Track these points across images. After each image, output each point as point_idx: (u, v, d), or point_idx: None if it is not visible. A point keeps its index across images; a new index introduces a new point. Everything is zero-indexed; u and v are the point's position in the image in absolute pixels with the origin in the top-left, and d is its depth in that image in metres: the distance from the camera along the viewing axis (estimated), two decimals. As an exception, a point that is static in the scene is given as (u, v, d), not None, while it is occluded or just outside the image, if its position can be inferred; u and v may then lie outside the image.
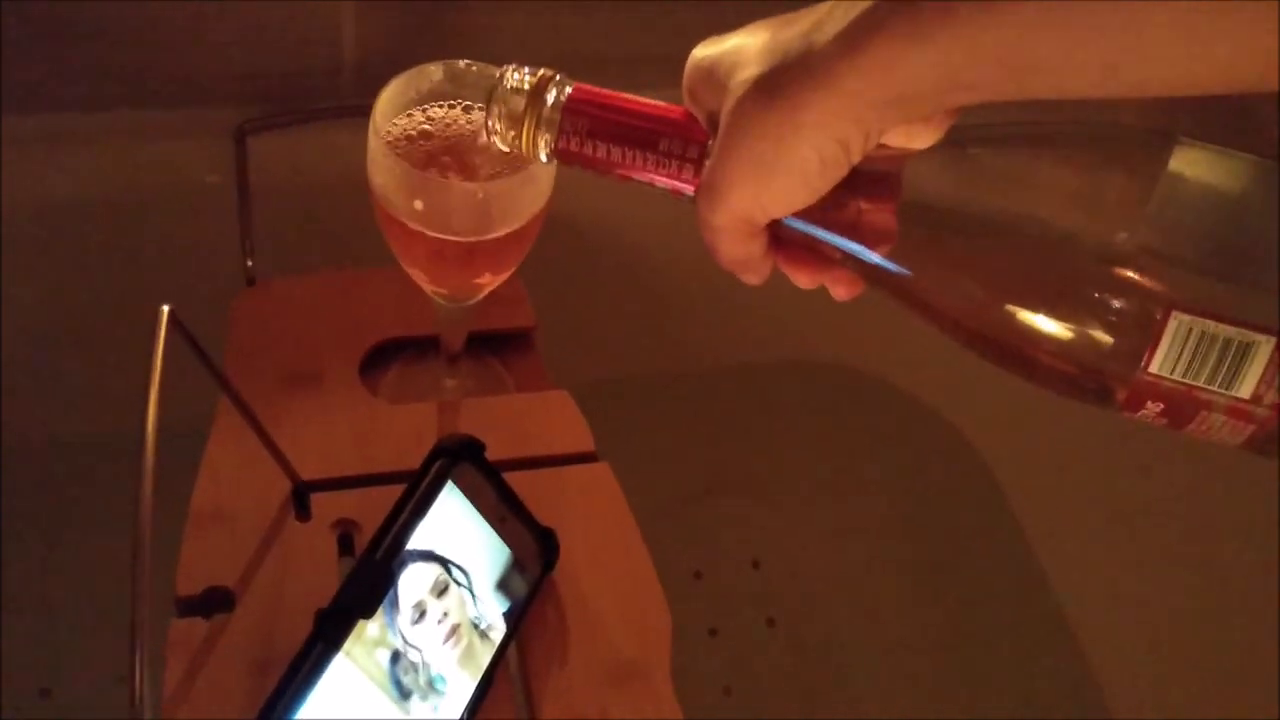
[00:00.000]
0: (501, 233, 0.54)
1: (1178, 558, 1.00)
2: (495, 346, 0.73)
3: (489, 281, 0.59)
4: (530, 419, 0.67)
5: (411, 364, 0.70)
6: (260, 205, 0.78)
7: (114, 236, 0.83)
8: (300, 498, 0.62)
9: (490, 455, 0.58)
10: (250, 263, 0.73)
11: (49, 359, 0.89)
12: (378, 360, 0.70)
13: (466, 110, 0.55)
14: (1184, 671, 0.98)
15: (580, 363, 0.82)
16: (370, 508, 0.59)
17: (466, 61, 0.55)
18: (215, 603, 0.58)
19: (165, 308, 0.48)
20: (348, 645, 0.50)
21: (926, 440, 1.16)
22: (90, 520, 0.88)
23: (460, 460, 0.57)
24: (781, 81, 0.35)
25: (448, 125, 0.54)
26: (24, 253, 0.83)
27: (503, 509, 0.59)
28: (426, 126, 0.54)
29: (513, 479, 0.60)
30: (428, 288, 0.60)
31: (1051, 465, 1.09)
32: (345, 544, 0.61)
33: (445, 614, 0.55)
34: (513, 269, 0.59)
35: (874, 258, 0.39)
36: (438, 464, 0.56)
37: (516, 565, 0.59)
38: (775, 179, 0.37)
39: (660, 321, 1.04)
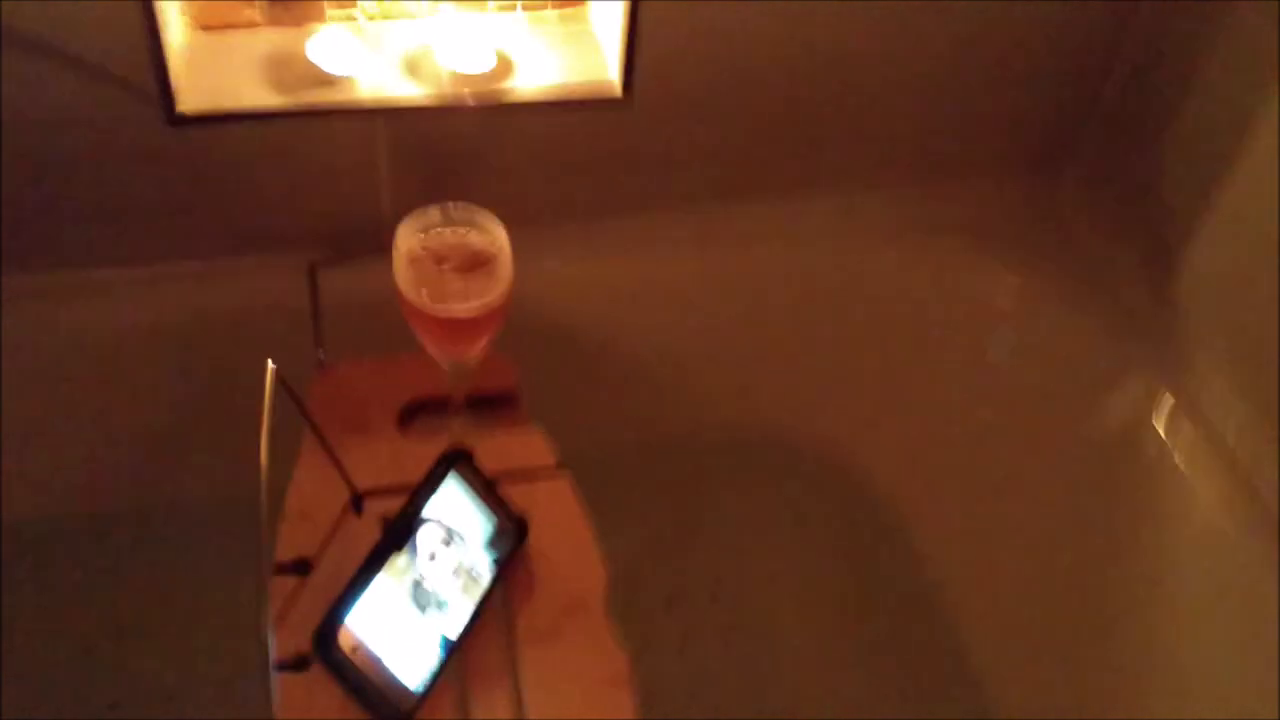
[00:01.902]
0: (478, 309, 0.83)
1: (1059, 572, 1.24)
2: (492, 404, 1.02)
3: (477, 347, 0.88)
4: (512, 445, 0.95)
5: (431, 414, 0.99)
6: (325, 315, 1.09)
7: (221, 346, 1.14)
8: (356, 501, 0.90)
9: (484, 468, 0.87)
10: (321, 353, 1.03)
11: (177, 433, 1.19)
12: (410, 414, 0.99)
13: (454, 233, 0.85)
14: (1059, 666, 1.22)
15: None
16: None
17: (453, 203, 0.86)
18: (300, 567, 0.86)
19: (271, 365, 0.77)
20: (386, 569, 0.78)
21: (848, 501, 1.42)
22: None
23: (458, 461, 0.85)
24: None
25: (441, 243, 0.84)
26: (147, 362, 1.14)
27: (489, 497, 0.87)
28: (427, 244, 0.84)
29: (506, 486, 0.88)
30: (436, 355, 0.89)
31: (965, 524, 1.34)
32: (387, 536, 0.89)
33: (450, 559, 0.83)
34: (492, 336, 0.88)
35: None
36: (442, 463, 0.85)
37: (499, 535, 0.86)
38: None
39: (629, 397, 1.33)
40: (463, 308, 0.83)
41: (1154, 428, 1.14)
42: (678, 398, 1.35)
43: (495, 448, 0.95)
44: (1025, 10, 1.15)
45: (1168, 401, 1.14)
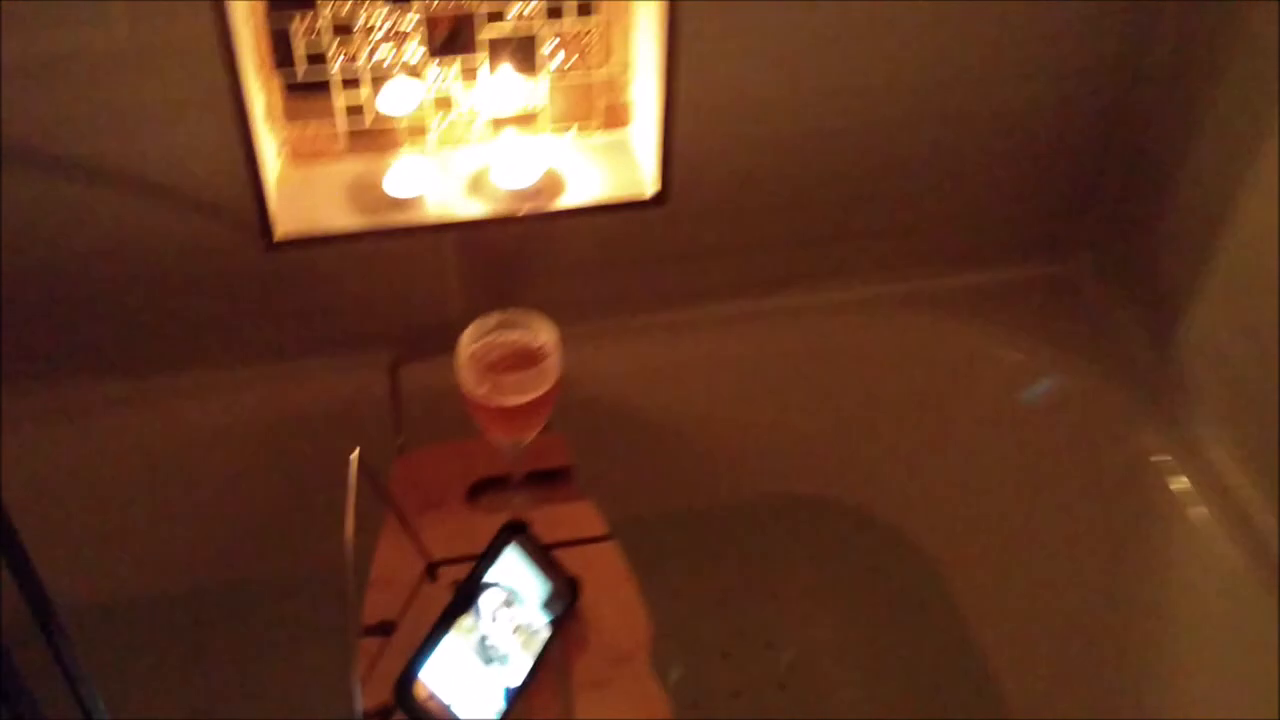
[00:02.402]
0: (530, 400, 0.96)
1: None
2: (549, 479, 1.14)
3: (531, 432, 1.01)
4: (566, 516, 1.08)
5: (496, 490, 1.12)
6: (403, 407, 1.23)
7: (313, 437, 1.29)
8: (431, 569, 1.03)
9: (540, 537, 0.99)
10: (400, 440, 1.18)
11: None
12: (477, 491, 1.12)
13: (508, 336, 0.99)
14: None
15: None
16: (470, 569, 1.00)
17: (508, 310, 0.99)
18: (384, 629, 0.99)
19: (356, 451, 0.91)
20: (455, 629, 0.91)
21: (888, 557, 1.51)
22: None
23: (517, 532, 0.98)
24: None
25: (497, 345, 0.98)
26: (247, 453, 1.30)
27: (545, 563, 0.99)
28: (486, 347, 0.98)
29: (560, 552, 1.00)
30: (496, 441, 1.02)
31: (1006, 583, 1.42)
32: (456, 600, 1.02)
33: (510, 618, 0.95)
34: (543, 422, 1.01)
35: None
36: (503, 534, 0.97)
37: (554, 596, 0.98)
38: None
39: (678, 469, 1.44)
40: (515, 400, 0.96)
41: (1159, 474, 1.23)
42: (721, 468, 1.47)
43: (551, 518, 1.07)
44: (1025, 105, 1.26)
45: (1172, 450, 1.23)
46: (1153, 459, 1.24)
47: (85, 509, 1.31)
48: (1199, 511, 1.18)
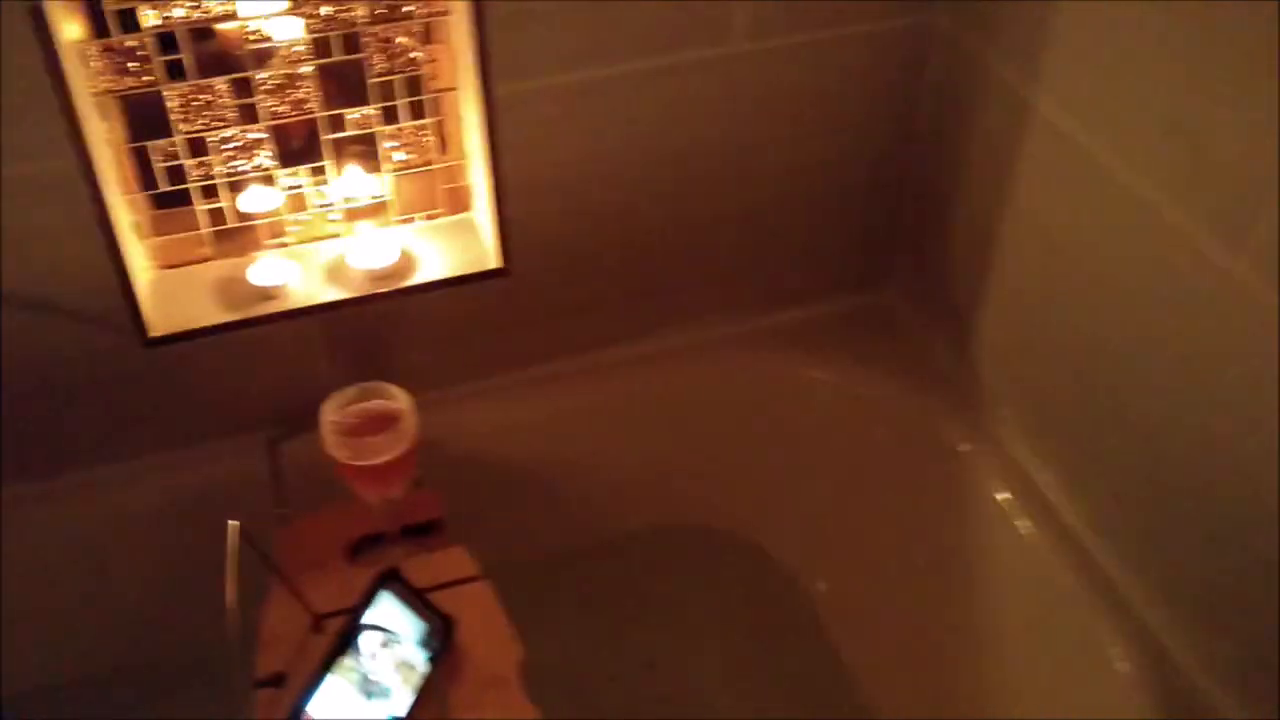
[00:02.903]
0: (390, 459, 1.08)
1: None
2: (424, 530, 1.25)
3: (396, 488, 1.13)
4: (440, 562, 1.19)
5: (375, 547, 1.22)
6: (285, 480, 1.34)
7: (202, 517, 1.38)
8: (317, 622, 1.13)
9: (418, 583, 1.10)
10: (284, 511, 1.28)
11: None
12: (358, 548, 1.22)
13: (365, 403, 1.10)
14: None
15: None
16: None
17: (366, 383, 1.11)
18: (277, 680, 1.09)
19: (235, 523, 1.01)
20: (336, 668, 1.01)
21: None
22: None
23: (389, 579, 1.08)
24: None
25: (355, 412, 1.09)
26: (136, 541, 1.38)
27: (420, 604, 1.10)
28: (345, 415, 1.09)
29: (437, 594, 1.11)
30: (367, 499, 1.13)
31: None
32: (338, 644, 1.12)
33: (390, 656, 1.05)
34: (408, 480, 1.12)
35: None
36: (378, 581, 1.08)
37: (430, 633, 1.09)
38: None
39: (551, 511, 1.56)
40: (376, 460, 1.08)
41: (966, 465, 1.38)
42: (591, 508, 1.59)
43: (427, 566, 1.18)
44: (821, 159, 1.42)
45: (976, 443, 1.39)
46: (959, 449, 1.39)
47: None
48: (1001, 495, 1.33)
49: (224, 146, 1.26)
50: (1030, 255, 1.27)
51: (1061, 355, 1.24)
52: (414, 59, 1.27)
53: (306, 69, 1.24)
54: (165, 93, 1.20)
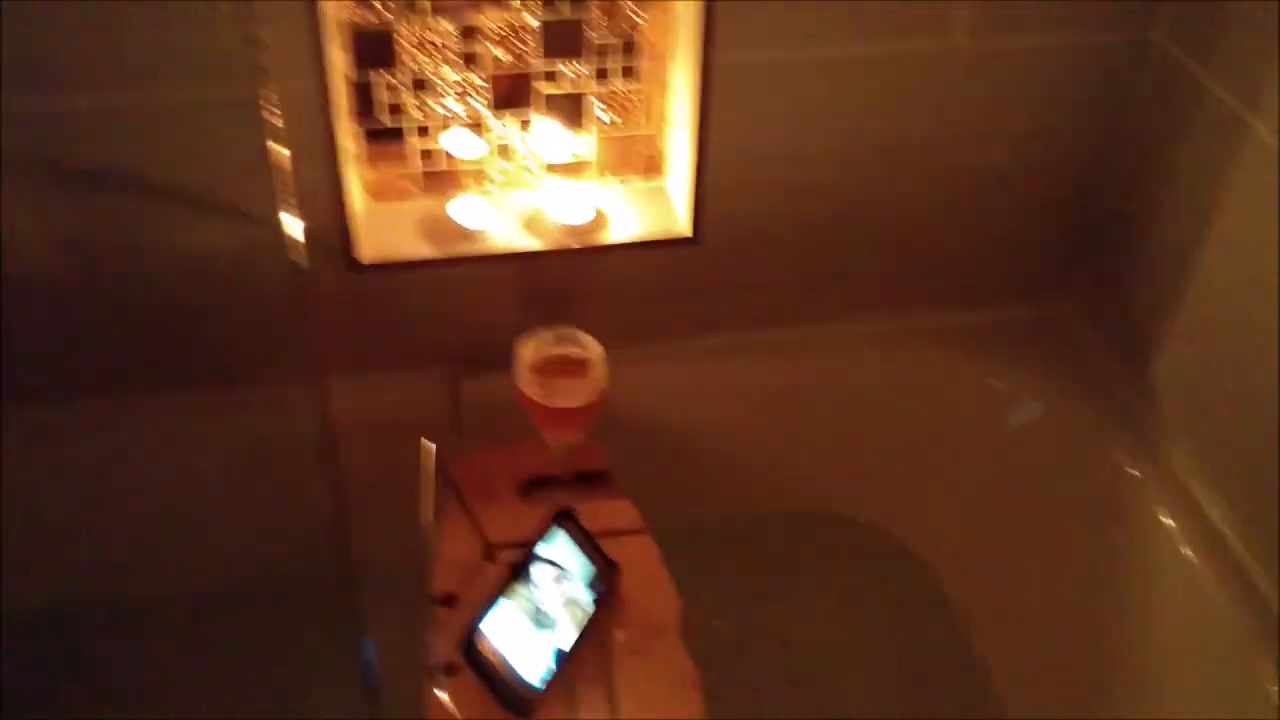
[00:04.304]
0: (579, 405, 1.10)
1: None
2: (592, 479, 1.27)
3: (580, 432, 1.15)
4: (607, 510, 1.20)
5: (547, 488, 1.25)
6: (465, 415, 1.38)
7: (386, 442, 1.43)
8: (489, 550, 1.16)
9: (588, 527, 1.12)
10: (462, 443, 1.31)
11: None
12: (530, 487, 1.25)
13: (560, 348, 1.13)
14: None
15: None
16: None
17: (562, 328, 1.13)
18: (449, 600, 1.12)
19: (431, 445, 1.04)
20: (511, 596, 1.03)
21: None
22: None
23: (565, 517, 1.11)
24: None
25: (550, 354, 1.12)
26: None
27: (589, 547, 1.12)
28: (540, 355, 1.11)
29: (601, 541, 1.13)
30: (548, 440, 1.16)
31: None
32: (513, 572, 1.15)
33: (560, 591, 1.07)
34: (591, 424, 1.14)
35: None
36: (555, 518, 1.10)
37: (597, 576, 1.11)
38: None
39: (708, 480, 1.57)
40: (567, 403, 1.10)
41: (1133, 487, 1.35)
42: (739, 484, 1.60)
43: (594, 512, 1.20)
44: (1015, 163, 1.40)
45: (1142, 466, 1.35)
46: (1127, 471, 1.36)
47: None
48: (1167, 521, 1.30)
49: (443, 87, 1.29)
50: (1228, 284, 1.23)
51: (1246, 388, 1.20)
52: (634, 21, 1.29)
53: (532, 21, 1.26)
54: (397, 28, 1.24)
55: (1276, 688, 1.13)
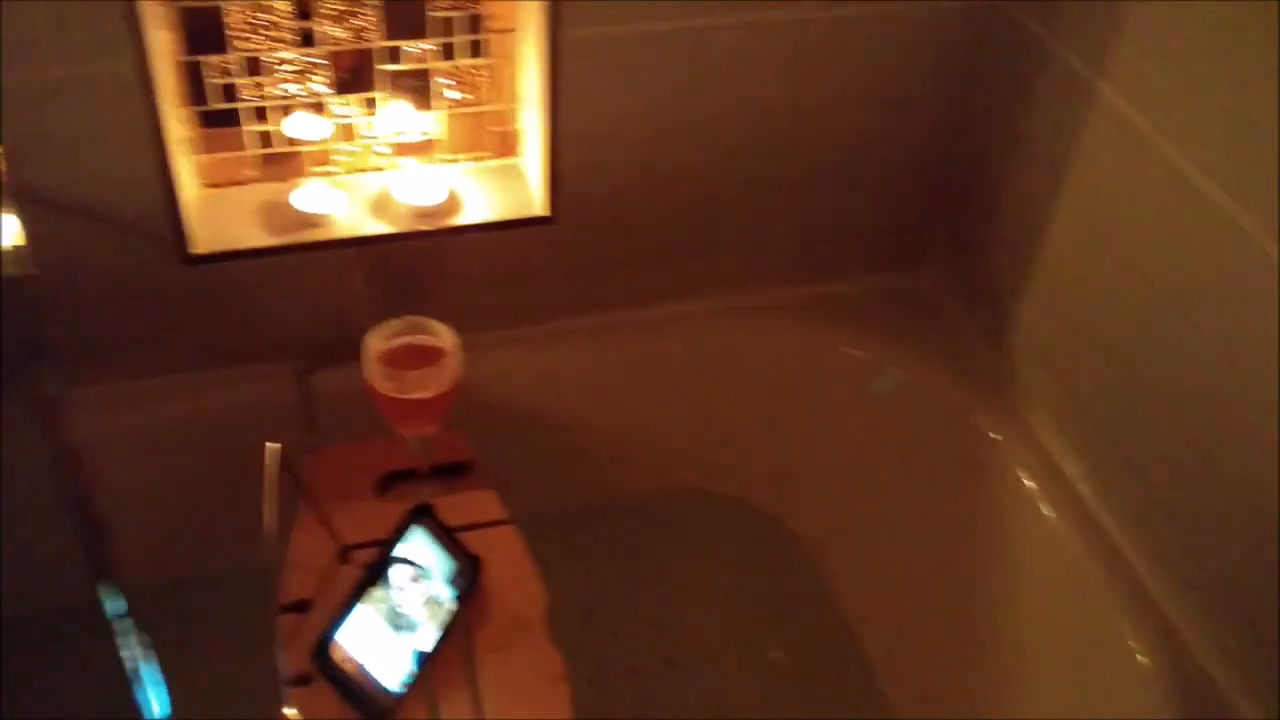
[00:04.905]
0: (433, 395, 1.05)
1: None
2: (453, 471, 1.22)
3: (435, 424, 1.10)
4: (470, 503, 1.16)
5: (404, 483, 1.19)
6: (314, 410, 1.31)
7: (228, 442, 1.35)
8: (343, 553, 1.10)
9: (448, 521, 1.07)
10: (313, 439, 1.25)
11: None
12: (386, 483, 1.20)
13: (410, 337, 1.07)
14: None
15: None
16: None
17: (412, 317, 1.08)
18: (301, 606, 1.06)
19: (275, 445, 0.98)
20: (367, 599, 0.98)
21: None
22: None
23: (422, 514, 1.06)
24: None
25: (402, 346, 1.06)
26: (166, 456, 1.35)
27: (450, 542, 1.07)
28: (389, 347, 1.06)
29: (465, 535, 1.08)
30: (403, 433, 1.11)
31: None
32: (369, 574, 1.09)
33: (419, 590, 1.03)
34: (445, 415, 1.09)
35: None
36: (411, 515, 1.05)
37: (459, 572, 1.06)
38: None
39: (575, 464, 1.54)
40: (420, 395, 1.05)
41: (995, 451, 1.36)
42: (611, 465, 1.57)
43: (456, 506, 1.15)
44: (869, 132, 1.39)
45: (1007, 430, 1.36)
46: (989, 435, 1.37)
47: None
48: (1029, 483, 1.31)
49: (279, 69, 1.22)
50: (1079, 244, 1.24)
51: (1102, 349, 1.22)
52: (478, -4, 1.24)
53: (370, -3, 1.20)
54: (226, 8, 1.17)
55: (1139, 642, 1.15)
